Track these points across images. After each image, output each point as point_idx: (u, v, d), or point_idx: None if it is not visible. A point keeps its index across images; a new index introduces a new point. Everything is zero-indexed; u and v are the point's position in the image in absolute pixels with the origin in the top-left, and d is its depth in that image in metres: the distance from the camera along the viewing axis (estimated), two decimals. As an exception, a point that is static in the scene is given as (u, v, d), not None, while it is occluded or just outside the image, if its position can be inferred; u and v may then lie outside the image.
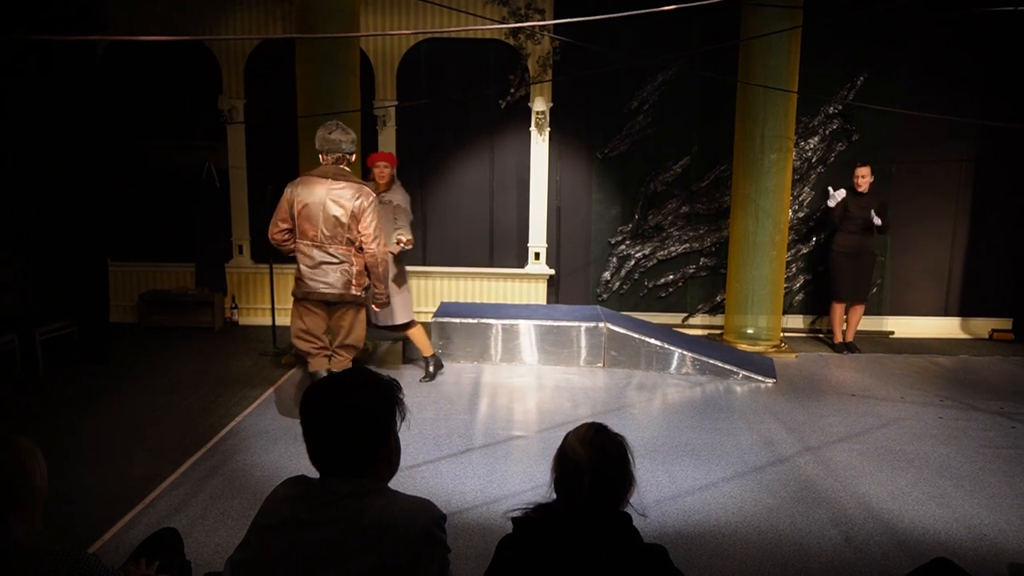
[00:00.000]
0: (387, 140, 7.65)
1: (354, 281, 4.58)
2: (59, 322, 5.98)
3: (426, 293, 7.84)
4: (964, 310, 7.89)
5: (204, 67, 7.52)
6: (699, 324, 7.89)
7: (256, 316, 7.78)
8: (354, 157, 4.70)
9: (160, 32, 7.08)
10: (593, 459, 1.74)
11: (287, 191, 4.59)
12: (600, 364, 6.31)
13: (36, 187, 6.05)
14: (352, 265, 4.57)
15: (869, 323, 7.68)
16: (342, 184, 4.48)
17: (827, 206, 7.06)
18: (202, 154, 7.62)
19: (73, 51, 5.91)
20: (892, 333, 7.81)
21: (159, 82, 7.50)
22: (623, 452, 1.80)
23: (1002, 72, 7.40)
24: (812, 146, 7.62)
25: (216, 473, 4.00)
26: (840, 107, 7.53)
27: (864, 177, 6.89)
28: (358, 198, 4.47)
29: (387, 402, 1.59)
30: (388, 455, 1.63)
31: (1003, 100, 7.41)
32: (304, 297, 4.61)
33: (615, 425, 1.91)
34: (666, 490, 3.91)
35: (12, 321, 5.79)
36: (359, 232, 4.51)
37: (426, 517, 1.55)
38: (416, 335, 5.83)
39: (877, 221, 6.84)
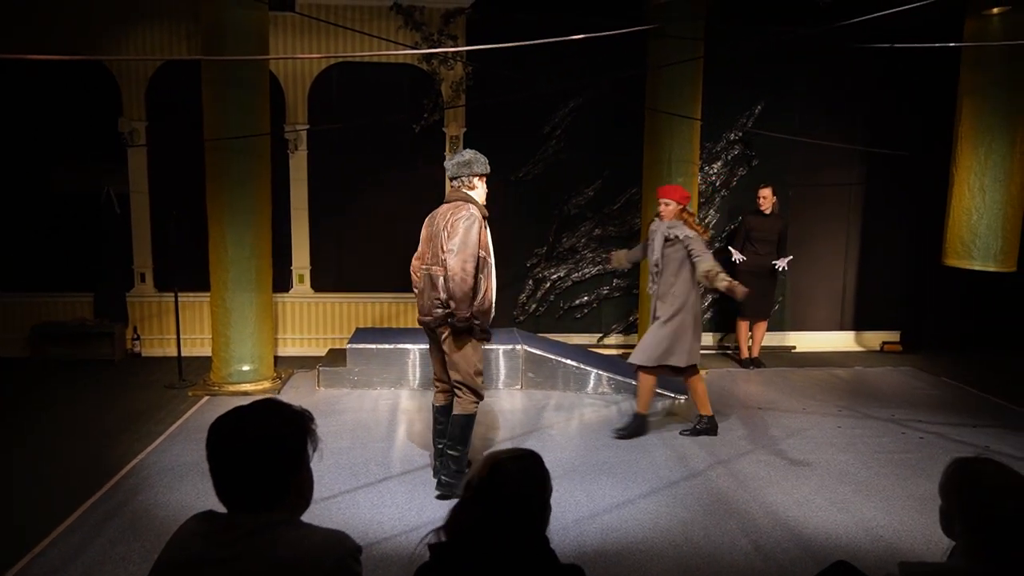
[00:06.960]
0: (299, 164, 7.50)
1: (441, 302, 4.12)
2: (-61, 358, 5.56)
3: (341, 318, 7.70)
4: (857, 324, 8.36)
5: (102, 87, 7.19)
6: (614, 344, 8.05)
7: (161, 347, 7.43)
8: (474, 178, 4.24)
9: (54, 50, 6.74)
10: (489, 487, 1.72)
11: None
12: (518, 386, 6.35)
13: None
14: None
15: (773, 339, 8.02)
16: (449, 204, 4.22)
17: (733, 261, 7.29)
18: (101, 178, 7.27)
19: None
20: (794, 348, 8.18)
21: (52, 102, 7.12)
22: (526, 481, 1.76)
23: (886, 102, 7.94)
24: (716, 170, 7.95)
25: (116, 515, 3.80)
26: (740, 133, 7.91)
27: (766, 198, 7.20)
28: (455, 213, 4.10)
29: (297, 432, 1.55)
30: (299, 487, 1.59)
31: (888, 127, 7.94)
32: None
33: (534, 447, 1.92)
34: (584, 509, 3.96)
35: None
36: (444, 248, 4.08)
37: (340, 550, 1.52)
38: (696, 386, 5.31)
39: (781, 264, 7.14)
